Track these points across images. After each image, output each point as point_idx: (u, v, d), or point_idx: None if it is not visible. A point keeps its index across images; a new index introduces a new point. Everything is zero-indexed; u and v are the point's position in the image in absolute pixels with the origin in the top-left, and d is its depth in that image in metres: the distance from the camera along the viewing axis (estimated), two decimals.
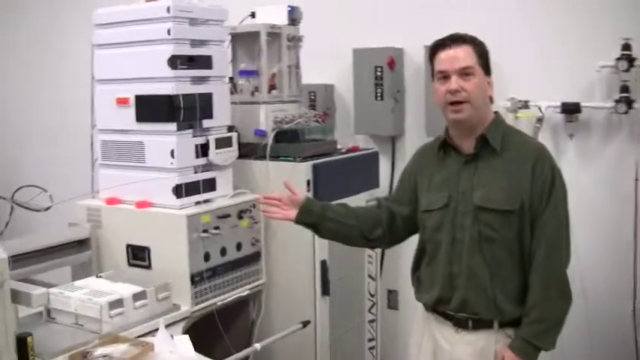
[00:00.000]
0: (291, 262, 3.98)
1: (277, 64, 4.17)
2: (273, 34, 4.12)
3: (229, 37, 4.14)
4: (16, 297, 2.90)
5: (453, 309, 2.76)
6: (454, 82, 2.65)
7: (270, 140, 3.97)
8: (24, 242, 3.51)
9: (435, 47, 2.75)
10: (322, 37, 4.85)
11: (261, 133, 4.03)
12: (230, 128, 3.88)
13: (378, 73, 4.59)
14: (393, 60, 4.56)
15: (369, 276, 4.42)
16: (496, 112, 2.82)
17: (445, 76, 2.68)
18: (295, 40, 4.22)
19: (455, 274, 2.73)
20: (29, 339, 2.49)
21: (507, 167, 2.68)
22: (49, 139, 6.58)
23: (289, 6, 4.20)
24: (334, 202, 3.14)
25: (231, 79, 4.24)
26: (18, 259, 3.41)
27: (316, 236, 3.81)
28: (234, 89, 4.17)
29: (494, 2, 4.39)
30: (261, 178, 3.98)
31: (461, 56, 2.67)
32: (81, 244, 3.72)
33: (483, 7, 4.41)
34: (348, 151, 4.35)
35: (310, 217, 3.01)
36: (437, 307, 2.82)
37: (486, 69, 2.73)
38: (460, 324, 2.75)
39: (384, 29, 4.72)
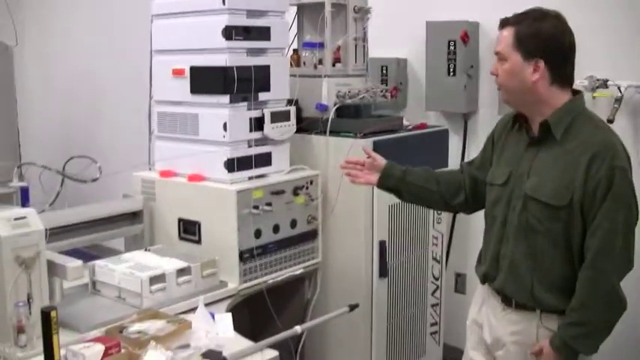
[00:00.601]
0: (349, 241, 3.86)
1: (343, 36, 4.01)
2: (339, 5, 3.97)
3: (294, 8, 4.03)
4: (53, 269, 2.90)
5: (497, 287, 2.72)
6: (493, 66, 2.61)
7: (331, 115, 3.84)
8: (76, 213, 3.50)
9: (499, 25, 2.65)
10: (396, 9, 4.71)
11: (323, 108, 3.89)
12: (291, 102, 3.76)
13: (451, 48, 4.38)
14: (467, 34, 4.34)
15: (434, 258, 4.25)
16: (576, 95, 2.61)
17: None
18: (362, 12, 4.04)
19: (502, 254, 2.68)
20: (53, 313, 2.44)
21: (564, 159, 2.51)
22: (110, 109, 6.64)
23: None
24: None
25: (295, 50, 4.12)
26: (69, 229, 3.42)
27: (375, 216, 3.76)
28: (297, 62, 4.05)
29: None
30: (320, 153, 3.86)
31: (499, 40, 2.58)
32: (134, 216, 3.69)
33: None
34: (415, 128, 4.17)
35: (391, 181, 3.04)
36: (485, 282, 2.81)
37: (529, 53, 2.51)
38: (506, 301, 2.69)
39: (460, 1, 4.50)
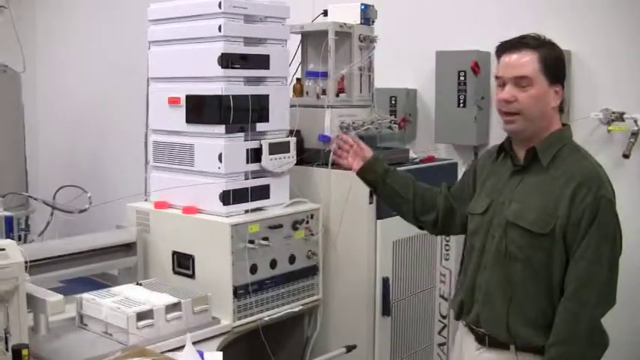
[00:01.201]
0: (351, 277, 3.72)
1: (347, 65, 3.90)
2: (343, 33, 3.85)
3: (298, 36, 3.95)
4: (33, 303, 2.80)
5: (471, 321, 2.61)
6: (507, 92, 2.45)
7: (333, 146, 3.71)
8: (66, 244, 3.41)
9: (499, 49, 2.53)
10: (406, 38, 4.62)
11: (326, 139, 3.78)
12: (293, 132, 3.65)
13: (461, 78, 4.26)
14: (477, 64, 4.22)
15: (441, 296, 4.10)
16: (565, 125, 2.55)
17: (502, 83, 2.47)
18: (368, 41, 3.93)
19: (478, 284, 2.59)
20: (24, 351, 2.34)
21: (549, 186, 2.42)
22: (116, 137, 6.59)
23: (362, 4, 3.92)
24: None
25: (299, 80, 4.02)
26: (60, 261, 3.33)
27: (378, 251, 3.63)
28: (300, 91, 3.95)
29: (589, 7, 4.01)
30: (321, 186, 3.74)
31: (520, 63, 2.43)
32: (128, 248, 3.58)
33: (577, 12, 4.04)
34: (423, 161, 4.04)
35: (371, 176, 3.04)
36: (461, 316, 2.69)
37: (553, 77, 2.44)
38: (479, 339, 2.59)
39: (471, 31, 4.39)
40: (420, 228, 3.07)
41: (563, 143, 2.48)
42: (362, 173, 3.06)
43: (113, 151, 6.60)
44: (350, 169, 3.14)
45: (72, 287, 3.65)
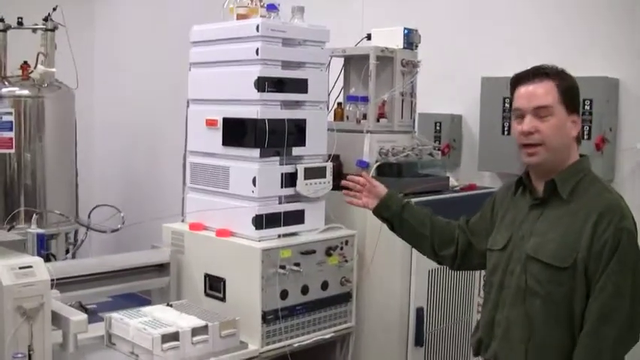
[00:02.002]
0: (384, 306, 3.67)
1: (389, 90, 3.86)
2: (385, 57, 3.82)
3: (340, 60, 3.91)
4: (57, 321, 2.82)
5: (489, 357, 2.54)
6: (527, 123, 2.38)
7: (371, 172, 3.67)
8: (100, 262, 3.44)
9: (516, 80, 2.46)
10: (453, 64, 4.57)
11: (364, 165, 3.74)
12: (331, 157, 3.62)
13: (506, 105, 4.18)
14: None
15: None
16: (583, 157, 2.47)
17: (521, 115, 2.40)
18: (410, 66, 3.89)
19: (497, 321, 2.50)
20: None
21: (569, 219, 2.34)
22: (156, 157, 6.66)
23: (405, 28, 3.89)
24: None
25: (339, 104, 4.00)
26: (92, 279, 3.36)
27: (413, 280, 3.58)
28: (341, 115, 3.92)
29: (635, 34, 3.90)
30: (358, 213, 3.67)
31: (539, 93, 2.37)
32: (162, 268, 3.59)
33: (624, 40, 3.98)
34: (464, 189, 3.97)
35: (387, 213, 2.98)
36: (479, 353, 2.62)
37: (571, 107, 2.38)
38: None
39: (517, 56, 4.28)
40: (439, 263, 3.00)
41: (582, 175, 2.41)
42: (377, 211, 3.00)
43: (163, 170, 6.67)
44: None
45: (120, 302, 3.69)
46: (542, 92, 2.36)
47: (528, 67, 2.52)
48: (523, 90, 2.40)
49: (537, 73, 2.39)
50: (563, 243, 2.31)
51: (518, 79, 2.43)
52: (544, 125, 2.35)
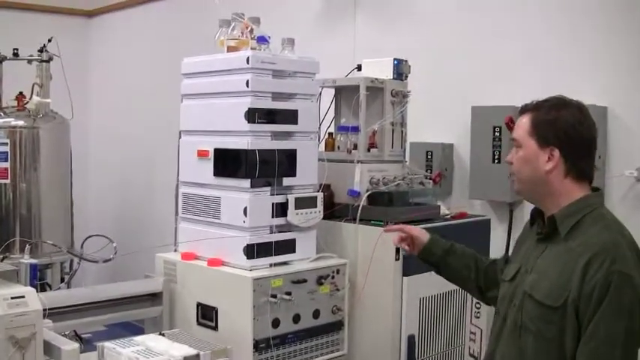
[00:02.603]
0: (376, 334, 3.68)
1: (379, 120, 3.90)
2: (375, 88, 3.87)
3: (330, 91, 3.96)
4: (49, 350, 2.84)
5: None
6: (509, 154, 2.47)
7: (362, 202, 3.71)
8: (93, 291, 3.46)
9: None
10: (444, 92, 4.62)
11: (355, 194, 3.78)
12: (322, 187, 3.66)
13: (496, 134, 4.23)
14: (512, 120, 4.16)
15: (471, 355, 4.02)
16: (594, 191, 2.44)
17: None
18: (400, 96, 3.94)
19: (497, 352, 2.51)
20: None
21: (566, 258, 2.30)
22: (151, 187, 6.71)
23: (395, 59, 3.94)
24: None
25: (330, 134, 4.04)
26: (84, 309, 3.38)
27: (404, 308, 3.61)
28: (332, 146, 3.97)
29: (624, 63, 3.99)
30: (349, 241, 3.73)
31: (517, 125, 2.46)
32: (154, 298, 3.61)
33: (613, 69, 4.02)
34: (455, 217, 4.00)
35: (432, 258, 2.98)
36: None
37: (544, 141, 2.37)
38: None
39: (506, 86, 4.36)
40: (488, 304, 3.04)
41: (585, 212, 2.37)
42: (422, 256, 3.00)
43: (157, 199, 6.72)
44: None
45: (115, 331, 3.71)
46: (519, 124, 2.44)
47: (516, 97, 2.60)
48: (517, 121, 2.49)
49: (525, 107, 2.46)
50: (556, 282, 2.29)
51: (519, 111, 2.51)
52: (515, 157, 2.44)
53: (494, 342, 2.54)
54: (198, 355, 3.11)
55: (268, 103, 3.39)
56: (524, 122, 2.42)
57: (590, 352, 2.19)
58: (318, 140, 3.81)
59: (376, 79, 3.86)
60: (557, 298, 2.26)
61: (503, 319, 2.50)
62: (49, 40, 5.75)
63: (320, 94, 3.84)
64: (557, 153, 2.36)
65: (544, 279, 2.34)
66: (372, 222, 3.69)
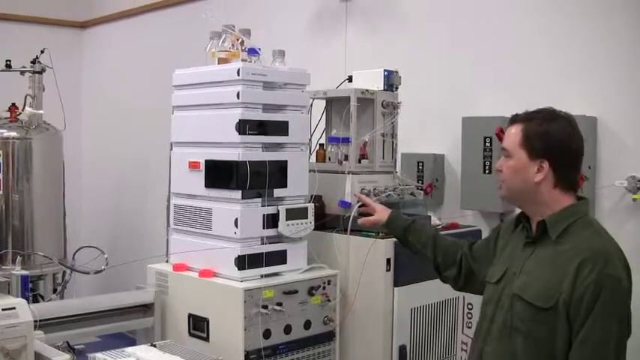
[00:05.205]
0: (368, 344, 3.69)
1: (370, 131, 3.92)
2: (366, 99, 3.89)
3: (321, 102, 3.98)
4: None
5: None
6: (498, 161, 2.54)
7: (353, 213, 3.72)
8: (84, 302, 3.46)
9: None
10: (435, 104, 4.65)
11: (346, 205, 3.79)
12: (313, 198, 3.68)
13: (487, 144, 4.25)
14: (502, 130, 4.18)
15: None
16: (581, 200, 2.51)
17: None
18: (391, 107, 3.96)
19: (485, 353, 2.54)
20: None
21: (556, 260, 2.36)
22: (146, 197, 6.71)
23: (386, 70, 3.96)
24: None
25: (321, 145, 4.06)
26: (76, 320, 3.38)
27: (396, 318, 3.63)
28: (323, 157, 3.99)
29: (614, 73, 4.01)
30: (340, 252, 3.74)
31: (507, 135, 2.52)
32: (146, 309, 3.62)
33: (603, 79, 4.05)
34: (446, 227, 4.02)
35: (393, 233, 3.35)
36: None
37: (535, 152, 2.42)
38: None
39: (497, 96, 4.39)
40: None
41: (575, 218, 2.43)
42: (387, 232, 3.33)
43: (149, 211, 6.73)
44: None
45: (108, 342, 3.70)
46: (509, 134, 2.50)
47: (506, 108, 2.65)
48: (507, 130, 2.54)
49: (515, 117, 2.51)
50: (547, 284, 2.34)
51: (509, 121, 2.56)
52: (505, 166, 2.50)
53: (481, 342, 2.56)
54: None
55: (259, 115, 3.41)
56: (514, 133, 2.47)
57: (584, 354, 2.24)
58: (309, 151, 3.82)
59: (367, 90, 3.88)
60: (548, 299, 2.31)
61: (490, 321, 2.53)
62: (42, 52, 5.77)
63: (311, 105, 3.86)
64: (546, 165, 2.42)
65: (534, 281, 2.39)
66: (363, 233, 3.70)
